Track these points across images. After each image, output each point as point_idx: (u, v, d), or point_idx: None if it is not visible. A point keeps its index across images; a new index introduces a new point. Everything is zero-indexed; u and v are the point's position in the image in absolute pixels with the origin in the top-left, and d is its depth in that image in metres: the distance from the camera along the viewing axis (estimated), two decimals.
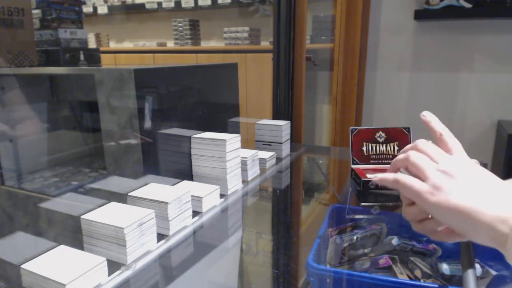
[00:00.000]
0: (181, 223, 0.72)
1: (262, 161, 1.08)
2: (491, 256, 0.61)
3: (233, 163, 0.89)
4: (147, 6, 3.13)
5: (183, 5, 2.96)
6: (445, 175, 0.43)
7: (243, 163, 0.97)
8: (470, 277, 0.44)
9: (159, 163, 0.85)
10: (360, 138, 0.97)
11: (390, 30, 2.10)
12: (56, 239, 0.90)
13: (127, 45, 3.53)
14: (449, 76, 2.01)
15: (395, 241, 0.64)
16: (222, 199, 0.86)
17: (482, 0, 1.79)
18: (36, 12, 1.32)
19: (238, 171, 0.92)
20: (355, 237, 0.67)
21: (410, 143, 0.86)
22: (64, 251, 0.56)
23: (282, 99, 1.44)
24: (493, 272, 0.60)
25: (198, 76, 0.99)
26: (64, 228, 0.90)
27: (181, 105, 0.91)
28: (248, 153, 1.00)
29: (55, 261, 0.53)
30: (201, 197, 0.78)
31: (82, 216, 0.61)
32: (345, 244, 0.66)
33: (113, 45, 3.56)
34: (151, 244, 0.64)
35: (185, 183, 0.83)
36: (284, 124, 1.19)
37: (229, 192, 0.89)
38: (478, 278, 0.59)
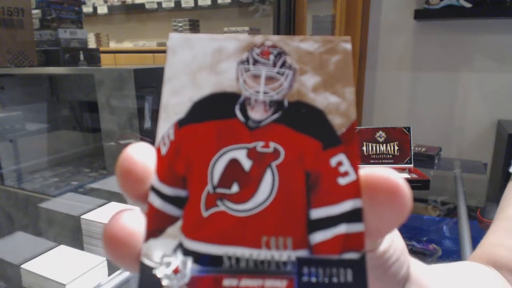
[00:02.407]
0: None
1: None
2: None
3: None
4: (147, 6, 3.13)
5: (183, 5, 2.96)
6: None
7: None
8: None
9: None
10: (360, 138, 0.97)
11: (390, 30, 2.10)
12: (56, 239, 0.90)
13: (127, 45, 3.53)
14: (449, 76, 2.01)
15: None
16: None
17: (482, 0, 1.79)
18: (36, 12, 1.32)
19: None
20: None
21: (410, 142, 0.86)
22: (64, 251, 0.56)
23: None
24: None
25: None
26: (64, 228, 0.90)
27: None
28: None
29: (55, 261, 0.53)
30: None
31: (82, 216, 0.62)
32: None
33: (113, 45, 3.55)
34: None
35: None
36: None
37: None
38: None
